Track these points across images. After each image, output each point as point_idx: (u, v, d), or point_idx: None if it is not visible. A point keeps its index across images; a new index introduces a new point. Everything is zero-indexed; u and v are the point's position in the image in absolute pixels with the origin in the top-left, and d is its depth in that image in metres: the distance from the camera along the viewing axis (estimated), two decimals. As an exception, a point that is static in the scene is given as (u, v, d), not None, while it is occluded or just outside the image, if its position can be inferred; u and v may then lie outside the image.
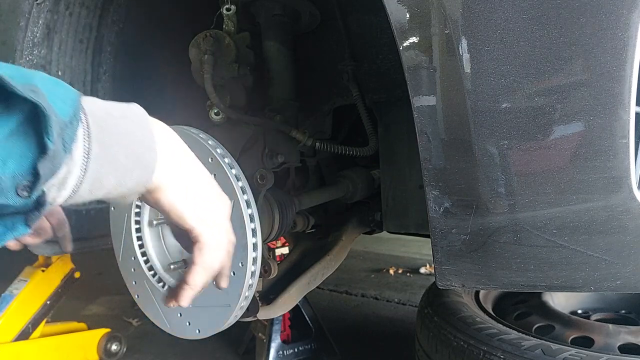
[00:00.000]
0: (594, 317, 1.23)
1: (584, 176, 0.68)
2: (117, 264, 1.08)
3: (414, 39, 0.73)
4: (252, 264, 0.89)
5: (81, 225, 1.33)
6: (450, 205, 0.76)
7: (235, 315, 0.90)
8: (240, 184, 0.89)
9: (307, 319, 1.58)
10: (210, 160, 0.89)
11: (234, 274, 0.88)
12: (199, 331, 0.93)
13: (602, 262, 0.71)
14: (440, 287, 0.82)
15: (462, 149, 0.72)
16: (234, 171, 0.89)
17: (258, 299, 1.10)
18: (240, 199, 0.88)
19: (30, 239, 1.11)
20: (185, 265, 1.03)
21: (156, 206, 0.66)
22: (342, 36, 1.25)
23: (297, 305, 1.49)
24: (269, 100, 1.27)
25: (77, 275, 1.50)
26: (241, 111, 1.15)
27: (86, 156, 0.52)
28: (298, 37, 1.34)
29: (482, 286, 0.80)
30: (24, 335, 1.38)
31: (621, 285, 0.72)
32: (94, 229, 1.34)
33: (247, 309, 0.95)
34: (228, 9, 1.13)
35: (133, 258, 1.04)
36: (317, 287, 1.28)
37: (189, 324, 0.94)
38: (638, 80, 0.64)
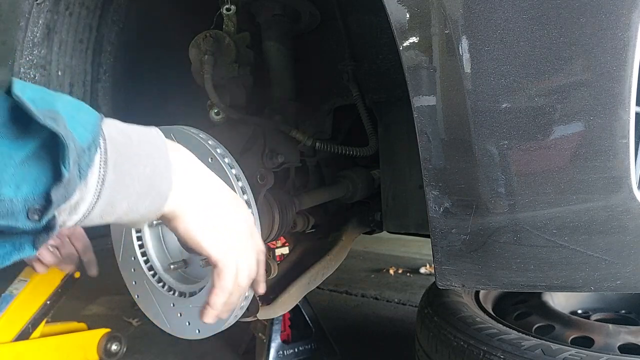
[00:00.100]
0: (594, 317, 1.23)
1: (584, 176, 0.68)
2: (117, 264, 1.08)
3: (414, 39, 0.73)
4: (252, 264, 0.89)
5: (81, 226, 1.33)
6: (450, 205, 0.76)
7: (235, 315, 0.90)
8: (240, 184, 0.89)
9: (307, 319, 1.58)
10: (210, 160, 0.89)
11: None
12: (199, 331, 0.93)
13: (602, 262, 0.71)
14: (440, 287, 0.82)
15: (462, 149, 0.72)
16: (234, 171, 0.89)
17: (258, 299, 1.10)
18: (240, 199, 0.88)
19: (57, 265, 1.14)
20: (185, 265, 1.03)
21: (173, 232, 0.66)
22: (342, 36, 1.25)
23: (297, 305, 1.49)
24: (269, 100, 1.27)
25: (77, 275, 1.50)
26: (241, 111, 1.15)
27: (101, 183, 0.52)
28: (298, 37, 1.34)
29: (482, 286, 0.80)
30: (24, 335, 1.38)
31: (621, 285, 0.72)
32: (94, 229, 1.34)
33: (247, 309, 0.95)
34: (228, 9, 1.13)
35: (133, 258, 1.04)
36: (317, 287, 1.28)
37: (189, 324, 0.94)
38: (638, 80, 0.64)
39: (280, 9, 1.25)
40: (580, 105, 0.66)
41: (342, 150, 1.26)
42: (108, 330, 1.60)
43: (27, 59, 1.17)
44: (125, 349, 1.62)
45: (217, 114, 1.10)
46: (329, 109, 1.35)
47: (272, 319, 1.50)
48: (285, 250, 1.42)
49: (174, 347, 1.71)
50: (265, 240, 1.14)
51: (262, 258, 0.81)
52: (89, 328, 1.59)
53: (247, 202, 0.89)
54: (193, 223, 0.65)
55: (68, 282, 1.46)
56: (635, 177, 0.67)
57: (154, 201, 0.59)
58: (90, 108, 0.54)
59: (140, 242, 1.03)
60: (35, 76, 1.19)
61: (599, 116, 0.66)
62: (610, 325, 1.06)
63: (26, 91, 0.48)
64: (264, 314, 1.12)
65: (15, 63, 1.16)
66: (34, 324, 1.41)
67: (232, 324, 0.93)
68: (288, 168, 1.29)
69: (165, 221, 0.65)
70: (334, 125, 1.39)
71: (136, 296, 1.04)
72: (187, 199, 0.64)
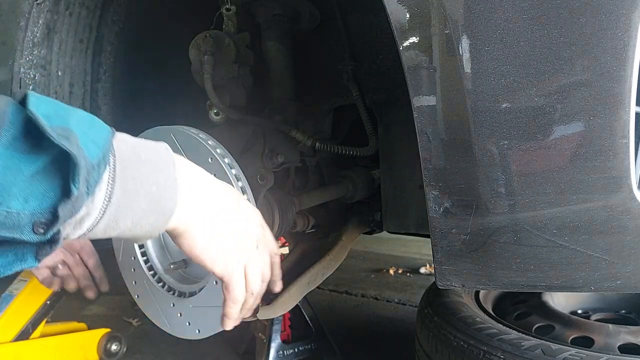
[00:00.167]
0: (594, 317, 1.23)
1: (584, 176, 0.68)
2: (117, 264, 1.08)
3: (414, 39, 0.73)
4: (252, 264, 0.89)
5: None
6: (450, 205, 0.76)
7: (235, 315, 0.90)
8: (240, 184, 0.89)
9: (307, 319, 1.58)
10: (210, 160, 0.89)
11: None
12: (199, 331, 0.93)
13: (602, 262, 0.71)
14: (440, 287, 0.82)
15: (462, 149, 0.72)
16: (234, 171, 0.89)
17: (258, 299, 1.10)
18: (240, 199, 0.88)
19: (70, 285, 1.15)
20: (185, 265, 1.03)
21: (179, 247, 0.67)
22: (342, 36, 1.25)
23: (297, 305, 1.49)
24: (269, 100, 1.27)
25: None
26: (241, 111, 1.15)
27: (107, 200, 0.53)
28: (298, 37, 1.34)
29: (482, 286, 0.80)
30: (24, 335, 1.38)
31: (621, 285, 0.72)
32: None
33: (247, 309, 0.95)
34: (228, 9, 1.13)
35: (133, 258, 1.04)
36: (317, 287, 1.28)
37: (189, 324, 0.94)
38: (638, 80, 0.64)
39: (280, 8, 1.25)
40: (580, 105, 0.66)
41: (342, 150, 1.26)
42: (108, 330, 1.60)
43: (27, 59, 1.17)
44: (125, 349, 1.62)
45: (217, 114, 1.10)
46: (329, 109, 1.35)
47: (272, 319, 1.50)
48: (285, 250, 1.41)
49: (174, 347, 1.71)
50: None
51: (277, 260, 0.81)
52: (89, 328, 1.59)
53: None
54: (197, 239, 0.66)
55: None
56: (635, 177, 0.67)
57: (158, 218, 0.59)
58: (103, 123, 0.55)
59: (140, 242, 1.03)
60: (35, 76, 1.19)
61: (599, 116, 0.66)
62: (610, 325, 1.06)
63: (41, 106, 0.48)
64: (264, 314, 1.12)
65: (15, 63, 1.16)
66: (34, 324, 1.40)
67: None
68: (288, 168, 1.29)
69: (170, 237, 0.66)
70: (334, 125, 1.39)
71: (136, 296, 1.05)
72: (192, 215, 0.64)
